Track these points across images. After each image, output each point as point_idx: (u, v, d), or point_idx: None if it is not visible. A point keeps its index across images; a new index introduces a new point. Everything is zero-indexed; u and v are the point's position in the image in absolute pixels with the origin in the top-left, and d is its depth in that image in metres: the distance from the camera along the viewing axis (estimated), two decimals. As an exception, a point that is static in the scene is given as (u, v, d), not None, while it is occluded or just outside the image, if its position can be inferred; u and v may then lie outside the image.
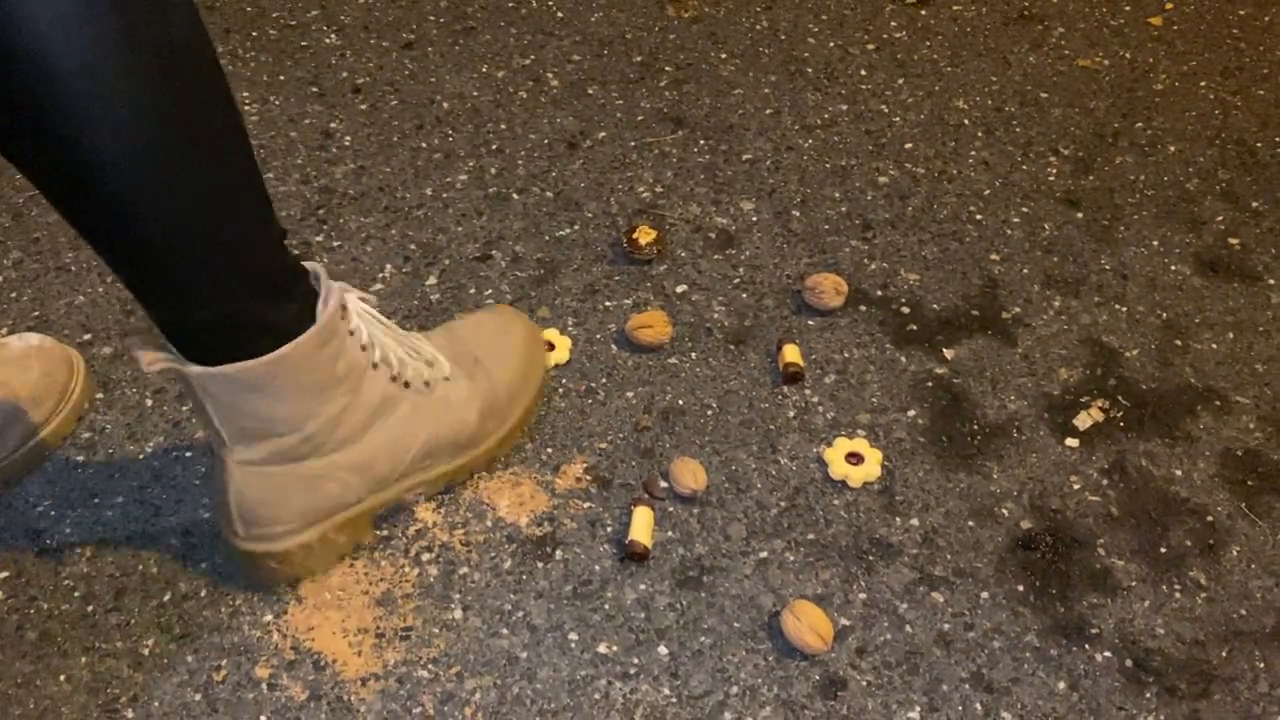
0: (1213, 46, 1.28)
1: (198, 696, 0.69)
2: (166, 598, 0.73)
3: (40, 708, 0.68)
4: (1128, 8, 1.33)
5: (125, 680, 0.69)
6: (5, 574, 0.74)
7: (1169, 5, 1.34)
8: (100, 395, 0.85)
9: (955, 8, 1.31)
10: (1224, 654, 0.75)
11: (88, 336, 0.89)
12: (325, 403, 0.67)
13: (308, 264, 0.66)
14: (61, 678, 0.69)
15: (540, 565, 0.76)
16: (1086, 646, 0.75)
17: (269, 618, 0.73)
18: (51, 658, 0.70)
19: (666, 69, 1.19)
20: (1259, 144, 1.15)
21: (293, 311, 0.64)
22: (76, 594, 0.73)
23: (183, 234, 0.56)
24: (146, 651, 0.71)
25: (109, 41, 0.48)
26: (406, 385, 0.73)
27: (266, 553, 0.71)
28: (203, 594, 0.74)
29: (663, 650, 0.73)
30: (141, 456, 0.81)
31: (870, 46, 1.25)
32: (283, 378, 0.64)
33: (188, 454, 0.81)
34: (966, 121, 1.16)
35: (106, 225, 0.55)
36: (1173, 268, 1.02)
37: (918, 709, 0.71)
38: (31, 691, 0.69)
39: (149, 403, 0.84)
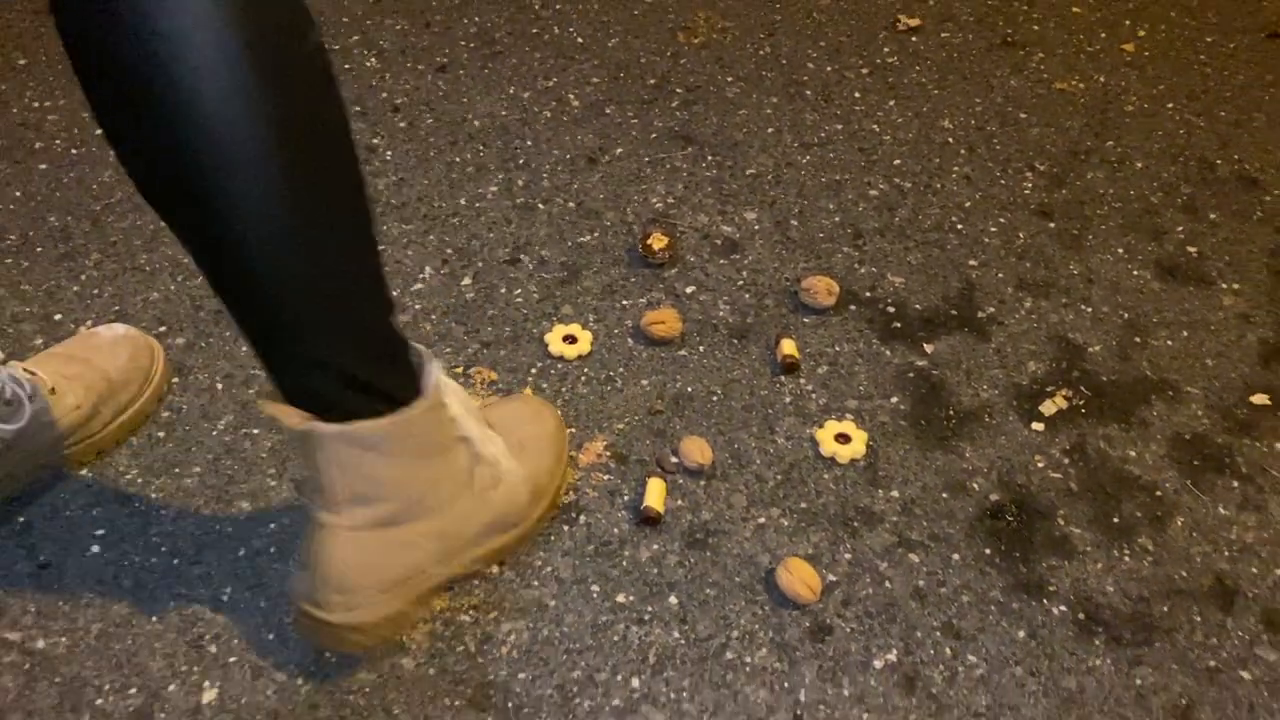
0: (1180, 71, 1.39)
1: (270, 636, 0.80)
2: (241, 553, 0.84)
3: (136, 644, 0.79)
4: (1103, 35, 1.44)
5: (208, 621, 0.80)
6: (101, 531, 0.85)
7: (1141, 33, 1.45)
8: (176, 379, 0.96)
9: (943, 35, 1.43)
10: (1165, 609, 0.85)
11: (163, 328, 1.00)
12: (424, 469, 0.73)
13: (413, 345, 0.72)
14: (154, 618, 0.80)
15: (566, 528, 0.87)
16: (1044, 601, 0.85)
17: (331, 570, 0.83)
18: (144, 602, 0.81)
19: (677, 91, 1.30)
20: (1219, 161, 1.26)
21: (401, 380, 0.69)
22: (163, 549, 0.84)
23: (311, 299, 0.61)
24: (225, 598, 0.82)
25: (273, 123, 0.55)
26: (480, 461, 0.78)
27: (352, 625, 0.74)
28: (272, 550, 0.85)
29: (673, 600, 0.83)
30: (214, 433, 0.92)
31: (864, 70, 1.36)
32: (397, 440, 0.69)
33: (255, 431, 0.92)
34: (951, 140, 1.27)
35: (244, 287, 0.61)
36: (1135, 273, 1.12)
37: (895, 652, 0.81)
38: (129, 629, 0.79)
39: (219, 386, 0.96)
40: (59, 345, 0.91)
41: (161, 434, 0.92)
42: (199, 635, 0.80)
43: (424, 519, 0.75)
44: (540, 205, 1.15)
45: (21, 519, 0.85)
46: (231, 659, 0.78)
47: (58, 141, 1.18)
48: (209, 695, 0.77)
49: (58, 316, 1.00)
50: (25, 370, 0.84)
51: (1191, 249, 1.15)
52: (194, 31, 0.52)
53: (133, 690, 0.77)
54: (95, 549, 0.84)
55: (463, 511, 0.77)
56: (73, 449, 0.87)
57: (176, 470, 0.89)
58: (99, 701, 0.76)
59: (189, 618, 0.80)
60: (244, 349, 0.98)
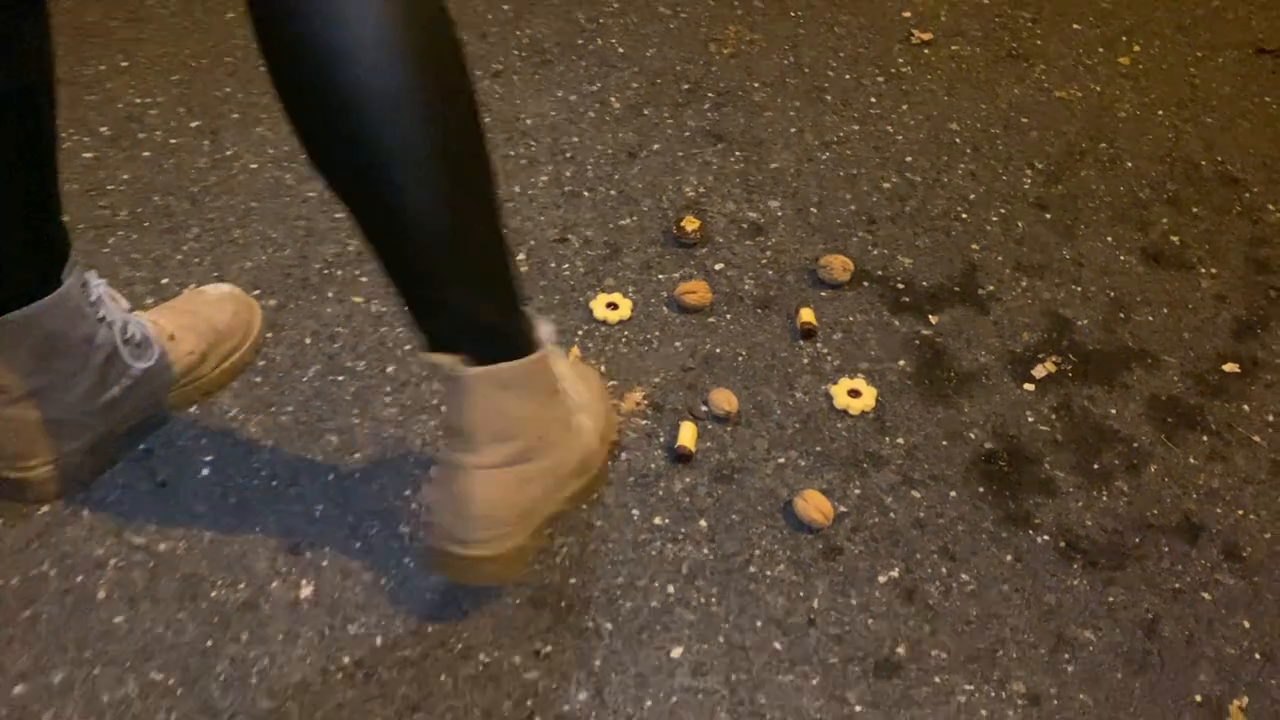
0: (1172, 82, 1.51)
1: (357, 544, 0.93)
2: (330, 477, 0.98)
3: (243, 548, 0.92)
4: (1101, 49, 1.56)
5: (303, 532, 0.93)
6: (209, 458, 0.99)
7: (1136, 48, 1.57)
8: (270, 334, 1.09)
9: (954, 47, 1.56)
10: (1137, 540, 0.97)
11: (257, 292, 1.14)
12: (546, 409, 0.84)
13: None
14: (257, 529, 0.93)
15: (610, 463, 1.00)
16: (1030, 532, 0.97)
17: (408, 492, 0.96)
18: (248, 515, 0.94)
19: (709, 95, 1.44)
20: (1203, 162, 1.38)
21: (525, 328, 0.80)
22: (263, 473, 0.98)
23: (457, 251, 0.73)
24: (317, 514, 0.95)
25: (427, 106, 0.67)
26: (573, 408, 0.90)
27: (489, 557, 0.83)
28: (356, 476, 0.98)
29: (703, 523, 0.96)
30: (304, 380, 1.06)
31: (880, 79, 1.49)
32: (530, 381, 0.80)
33: (340, 378, 1.06)
34: (958, 140, 1.39)
35: (401, 243, 0.72)
36: (1122, 258, 1.24)
37: (897, 570, 0.93)
38: (236, 537, 0.93)
39: (308, 341, 1.09)
40: (174, 300, 1.05)
41: (259, 379, 1.05)
42: (295, 543, 0.93)
43: (543, 456, 0.85)
44: (585, 193, 1.28)
45: (142, 446, 0.99)
46: (324, 563, 0.91)
47: (158, 132, 1.32)
48: (306, 591, 0.90)
49: (164, 280, 1.14)
50: (150, 318, 0.98)
51: (1174, 238, 1.27)
52: (367, 44, 0.65)
53: (241, 585, 0.90)
54: (205, 472, 0.97)
55: (566, 451, 0.88)
56: (185, 389, 1.01)
57: (272, 409, 1.03)
58: (213, 594, 0.89)
59: (287, 529, 0.94)
60: (329, 310, 1.12)
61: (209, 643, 0.86)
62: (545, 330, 0.83)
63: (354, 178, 0.70)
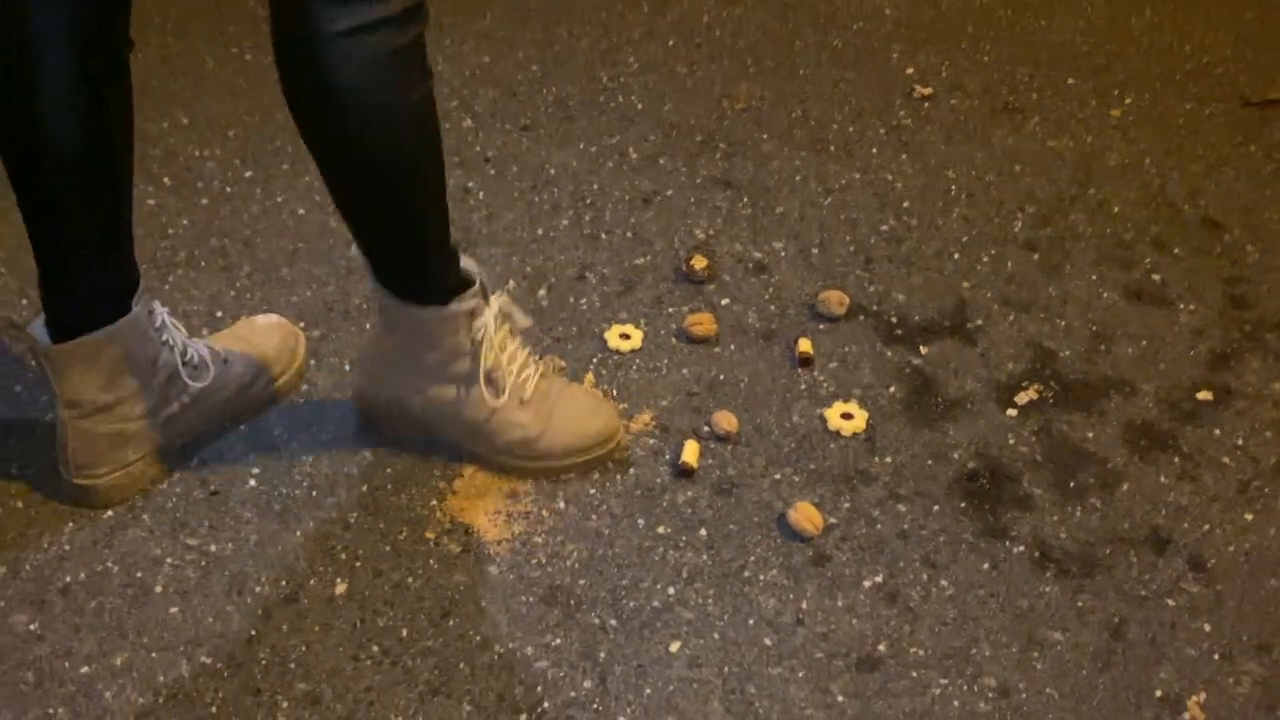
0: (1160, 133, 1.60)
1: (387, 548, 1.02)
2: (364, 489, 1.07)
3: (285, 549, 1.02)
4: (1093, 102, 1.66)
5: (339, 536, 1.03)
6: (256, 470, 1.09)
7: (1127, 100, 1.66)
8: (312, 361, 1.20)
9: (953, 101, 1.66)
10: (1108, 551, 1.04)
11: (302, 323, 1.24)
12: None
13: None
14: (297, 533, 1.03)
15: (619, 477, 1.09)
16: (1007, 543, 1.04)
17: (434, 502, 1.06)
18: (290, 521, 1.04)
19: (720, 146, 1.55)
20: (1186, 206, 1.46)
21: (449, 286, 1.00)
22: (304, 484, 1.08)
23: (421, 218, 0.96)
24: (352, 520, 1.05)
25: (413, 122, 0.90)
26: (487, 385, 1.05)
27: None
28: (388, 487, 1.08)
29: (703, 532, 1.04)
30: (342, 401, 1.16)
31: (881, 130, 1.59)
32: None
33: (374, 400, 1.16)
34: (954, 187, 1.49)
35: (368, 212, 0.94)
36: (1105, 295, 1.32)
37: (881, 575, 1.01)
38: (279, 539, 1.03)
39: (346, 367, 1.20)
40: (227, 329, 1.16)
41: (301, 401, 1.16)
42: (332, 545, 1.02)
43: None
44: (603, 235, 1.39)
45: (196, 460, 1.09)
46: (357, 563, 1.01)
47: (215, 181, 1.45)
48: (340, 588, 0.99)
49: (219, 314, 1.26)
50: (206, 345, 1.09)
51: (1156, 276, 1.35)
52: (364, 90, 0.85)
53: (283, 582, 0.99)
54: (252, 483, 1.08)
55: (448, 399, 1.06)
56: (236, 409, 1.11)
57: (314, 428, 1.13)
58: (258, 590, 0.99)
59: (324, 533, 1.03)
60: (365, 340, 1.23)
61: (253, 632, 0.96)
62: (470, 298, 1.01)
63: (349, 197, 0.93)
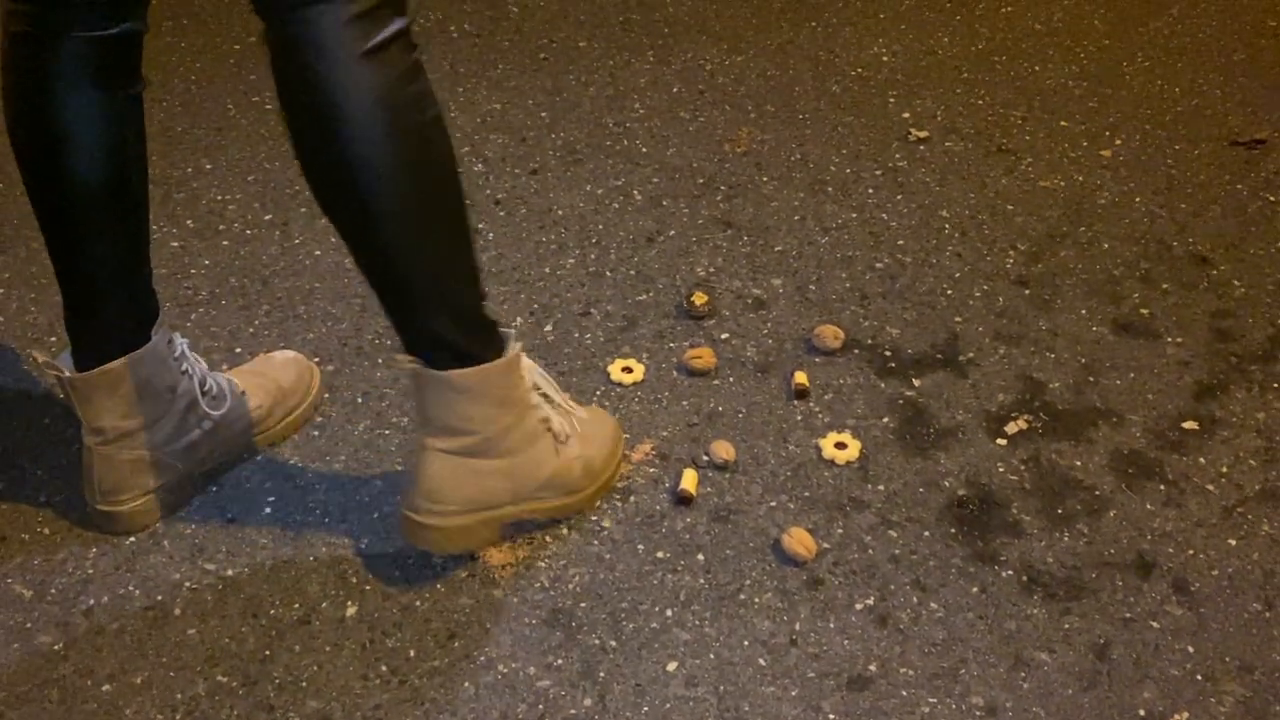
0: (1150, 172, 1.64)
1: (397, 573, 1.06)
2: (375, 515, 1.12)
3: (298, 574, 1.06)
4: (1085, 143, 1.71)
5: (350, 561, 1.07)
6: (272, 498, 1.13)
7: (1118, 141, 1.71)
8: (327, 395, 1.25)
9: (948, 144, 1.71)
10: (1094, 575, 1.07)
11: (317, 358, 1.30)
12: (503, 415, 1.00)
13: (502, 328, 1.00)
14: (311, 558, 1.08)
15: (620, 504, 1.13)
16: (995, 567, 1.08)
17: (441, 528, 1.10)
18: (303, 546, 1.09)
19: (721, 188, 1.60)
20: (1175, 243, 1.50)
21: (487, 346, 0.97)
22: (317, 511, 1.12)
23: (427, 281, 0.92)
24: (363, 546, 1.09)
25: (405, 163, 0.87)
26: (549, 430, 1.05)
27: (434, 526, 1.02)
28: (398, 515, 1.12)
29: (700, 557, 1.08)
30: (355, 433, 1.21)
31: (878, 172, 1.64)
32: (480, 388, 0.97)
33: (386, 432, 1.21)
34: (947, 226, 1.53)
35: (382, 269, 0.92)
36: (1094, 328, 1.36)
37: (872, 598, 1.05)
38: (293, 564, 1.07)
39: (359, 400, 1.25)
40: (246, 364, 1.21)
41: (316, 433, 1.21)
42: (343, 570, 1.07)
43: (498, 456, 1.02)
44: (608, 273, 1.44)
45: (215, 488, 1.14)
46: (367, 587, 1.05)
47: (236, 224, 1.51)
48: (351, 610, 1.03)
49: (238, 350, 1.31)
50: (225, 377, 1.14)
51: (1144, 310, 1.39)
52: (359, 112, 0.84)
53: (296, 605, 1.03)
54: (268, 510, 1.12)
55: (530, 462, 1.04)
56: (253, 439, 1.16)
57: (327, 458, 1.18)
58: (272, 611, 1.03)
59: (336, 558, 1.08)
60: (378, 374, 1.27)
61: (267, 652, 1.00)
62: (514, 350, 0.99)
63: (348, 221, 0.90)
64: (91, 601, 1.04)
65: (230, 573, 1.06)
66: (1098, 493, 1.15)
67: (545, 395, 1.05)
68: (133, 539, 1.09)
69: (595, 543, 1.09)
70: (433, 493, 1.01)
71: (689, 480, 1.14)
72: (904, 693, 0.97)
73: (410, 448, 1.18)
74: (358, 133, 0.84)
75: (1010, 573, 1.07)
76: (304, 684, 0.97)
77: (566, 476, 1.07)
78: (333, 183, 0.88)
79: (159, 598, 1.04)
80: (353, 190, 0.87)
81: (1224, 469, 1.18)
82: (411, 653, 1.00)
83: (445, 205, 0.92)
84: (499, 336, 0.99)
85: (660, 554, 1.08)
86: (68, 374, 1.00)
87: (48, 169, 0.94)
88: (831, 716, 0.95)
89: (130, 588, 1.05)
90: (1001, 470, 1.18)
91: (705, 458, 1.18)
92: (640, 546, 1.09)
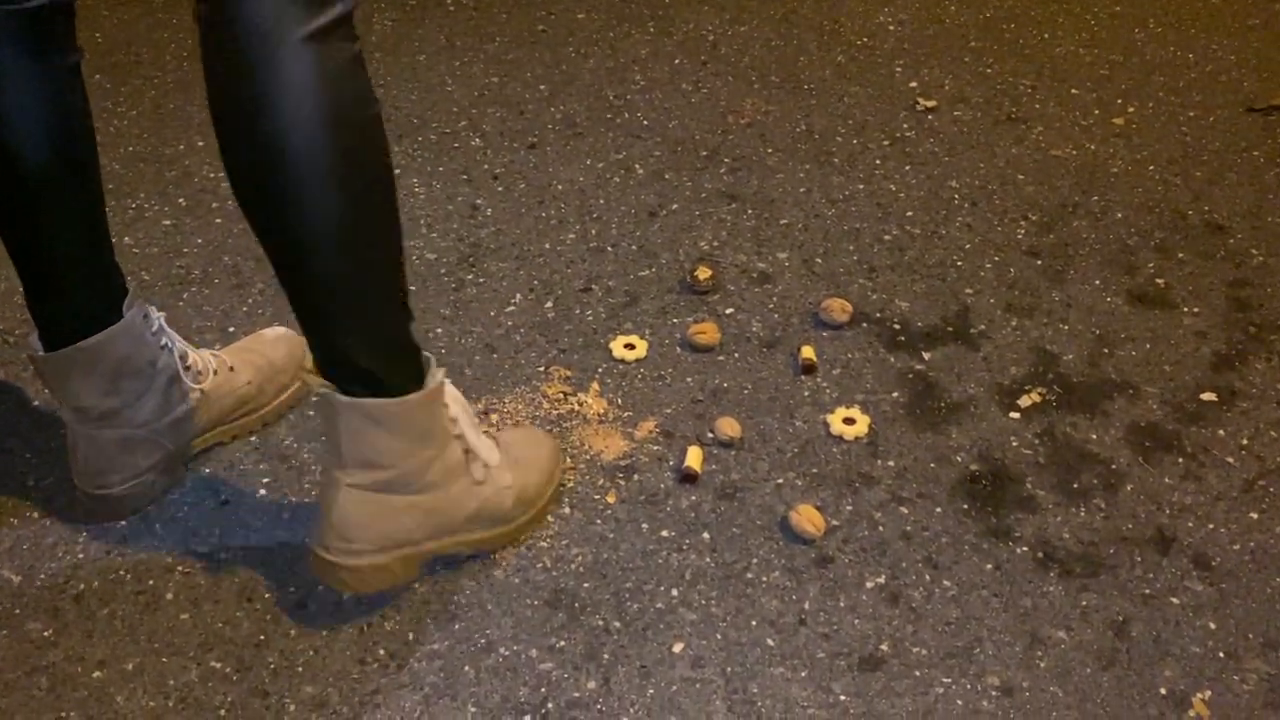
0: (1163, 140, 1.60)
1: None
2: (372, 496, 1.09)
3: (294, 556, 1.03)
4: (1096, 111, 1.67)
5: (347, 543, 1.04)
6: (266, 479, 1.11)
7: (1130, 109, 1.67)
8: (322, 374, 1.22)
9: (956, 113, 1.67)
10: (1111, 551, 1.04)
11: (312, 337, 1.27)
12: (422, 449, 0.92)
13: (424, 353, 0.92)
14: (306, 539, 1.05)
15: (623, 483, 1.10)
16: (1010, 544, 1.05)
17: (440, 508, 1.07)
18: (298, 529, 1.06)
19: (725, 160, 1.57)
20: (1190, 212, 1.46)
21: (407, 375, 0.90)
22: (313, 493, 1.09)
23: (345, 301, 0.84)
24: (360, 527, 1.06)
25: (337, 171, 0.79)
26: (476, 460, 0.97)
27: (344, 566, 0.94)
28: (395, 495, 1.09)
29: (705, 536, 1.05)
30: (351, 413, 1.18)
31: (885, 143, 1.60)
32: (398, 419, 0.89)
33: (382, 411, 1.18)
34: (957, 197, 1.50)
35: (300, 284, 0.84)
36: (1108, 299, 1.33)
37: (883, 576, 1.02)
38: (288, 547, 1.04)
39: (355, 379, 1.22)
40: (236, 342, 1.18)
41: (310, 412, 1.18)
42: (340, 552, 1.04)
43: (420, 494, 0.94)
44: (609, 248, 1.41)
45: (207, 470, 1.11)
46: (364, 569, 1.02)
47: (230, 202, 1.48)
48: (347, 593, 1.00)
49: (231, 329, 1.28)
50: (211, 353, 1.11)
51: (1160, 281, 1.35)
52: (296, 99, 0.77)
53: (291, 588, 1.01)
54: (262, 492, 1.10)
55: (452, 497, 0.96)
56: (245, 418, 1.13)
57: (322, 438, 1.15)
58: (266, 595, 1.00)
59: (332, 540, 1.05)
60: (374, 352, 1.24)
61: (261, 636, 0.97)
62: (436, 380, 0.92)
63: (270, 219, 0.83)
64: (82, 586, 1.01)
65: (224, 556, 1.04)
66: (1114, 466, 1.12)
67: (461, 432, 0.96)
68: (124, 523, 1.06)
69: (598, 522, 1.06)
70: (344, 530, 0.93)
71: (694, 458, 1.11)
72: (917, 673, 0.94)
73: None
74: (293, 122, 0.77)
75: (1025, 549, 1.04)
76: (300, 669, 0.95)
77: (496, 508, 1.00)
78: (260, 176, 0.80)
79: (151, 582, 1.01)
80: (281, 185, 0.79)
81: (1244, 441, 1.15)
82: (410, 636, 0.97)
83: (378, 210, 0.84)
84: (421, 364, 0.92)
85: (665, 533, 1.06)
86: (40, 354, 0.98)
87: None
88: (843, 698, 0.92)
89: (121, 572, 1.02)
90: (1015, 444, 1.14)
91: (710, 435, 1.15)
92: (644, 525, 1.06)
